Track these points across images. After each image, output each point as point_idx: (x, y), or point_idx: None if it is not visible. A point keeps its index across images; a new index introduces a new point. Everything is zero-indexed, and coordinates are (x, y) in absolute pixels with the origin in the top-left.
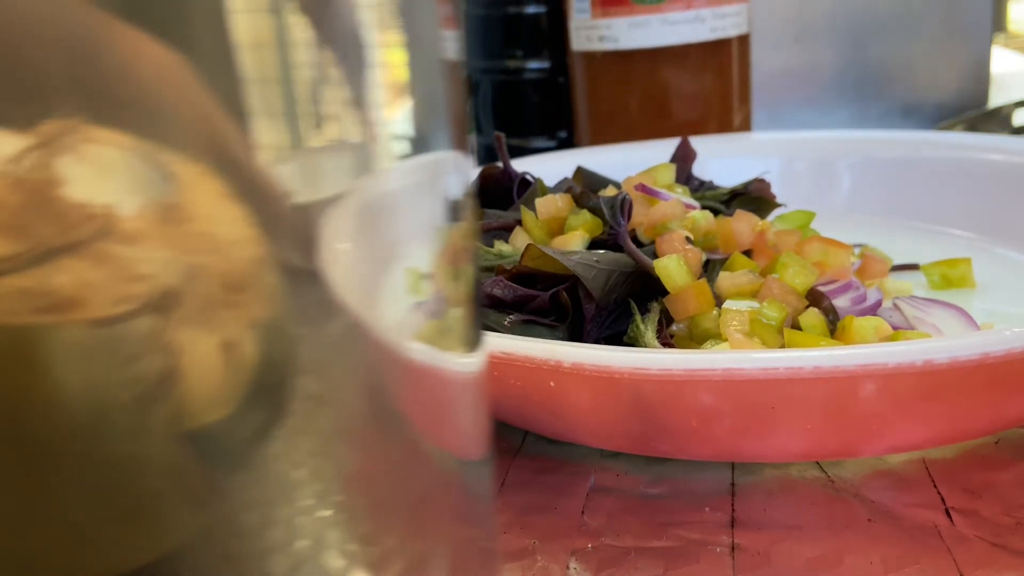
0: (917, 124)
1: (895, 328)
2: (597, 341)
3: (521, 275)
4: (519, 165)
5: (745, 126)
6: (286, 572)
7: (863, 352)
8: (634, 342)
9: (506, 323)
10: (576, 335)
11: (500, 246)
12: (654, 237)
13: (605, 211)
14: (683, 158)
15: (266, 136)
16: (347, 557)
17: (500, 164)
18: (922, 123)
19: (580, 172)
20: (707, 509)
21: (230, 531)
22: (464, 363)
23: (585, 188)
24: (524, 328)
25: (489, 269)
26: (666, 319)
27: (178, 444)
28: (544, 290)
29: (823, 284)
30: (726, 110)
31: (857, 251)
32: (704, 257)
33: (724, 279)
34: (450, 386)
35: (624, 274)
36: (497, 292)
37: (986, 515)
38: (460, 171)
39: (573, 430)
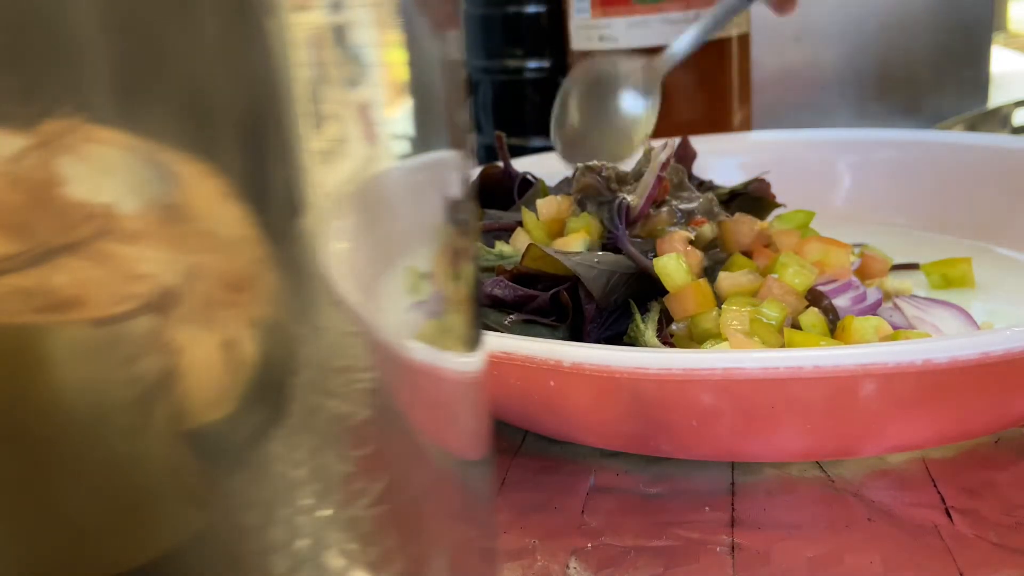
0: (917, 124)
1: (895, 328)
2: (598, 341)
3: (522, 275)
4: (519, 165)
5: (745, 126)
6: (286, 572)
7: (863, 352)
8: (634, 342)
9: (506, 323)
10: (576, 335)
11: (501, 246)
12: (654, 237)
13: (604, 216)
14: (683, 158)
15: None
16: (347, 557)
17: (500, 164)
18: (922, 123)
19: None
20: (707, 509)
21: (230, 531)
22: (464, 363)
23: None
24: (524, 328)
25: (489, 269)
26: (666, 319)
27: (178, 443)
28: (544, 290)
29: (823, 284)
30: (726, 110)
31: (857, 251)
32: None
33: (724, 279)
34: (450, 386)
35: (625, 275)
36: (497, 292)
37: (986, 515)
38: (460, 171)
39: (573, 429)
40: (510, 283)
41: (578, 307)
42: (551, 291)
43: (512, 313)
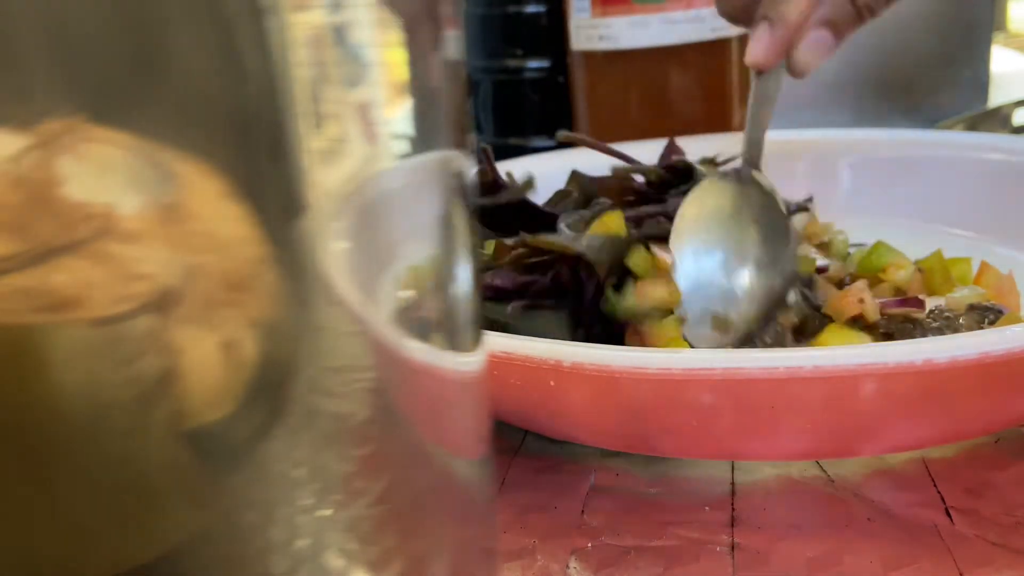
0: (917, 124)
1: None
2: (601, 318)
3: (522, 263)
4: (519, 164)
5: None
6: (286, 572)
7: (863, 352)
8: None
9: (508, 311)
10: (579, 313)
11: (491, 246)
12: None
13: None
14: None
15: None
16: (347, 557)
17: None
18: (922, 123)
19: (575, 176)
20: (707, 508)
21: (230, 531)
22: (464, 363)
23: (581, 191)
24: (527, 313)
25: (482, 269)
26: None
27: (178, 443)
28: (544, 275)
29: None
30: (726, 110)
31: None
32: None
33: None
34: (450, 386)
35: (620, 253)
36: (498, 282)
37: (986, 514)
38: (460, 171)
39: (573, 429)
40: (510, 272)
41: (579, 286)
42: (551, 272)
43: (514, 300)
